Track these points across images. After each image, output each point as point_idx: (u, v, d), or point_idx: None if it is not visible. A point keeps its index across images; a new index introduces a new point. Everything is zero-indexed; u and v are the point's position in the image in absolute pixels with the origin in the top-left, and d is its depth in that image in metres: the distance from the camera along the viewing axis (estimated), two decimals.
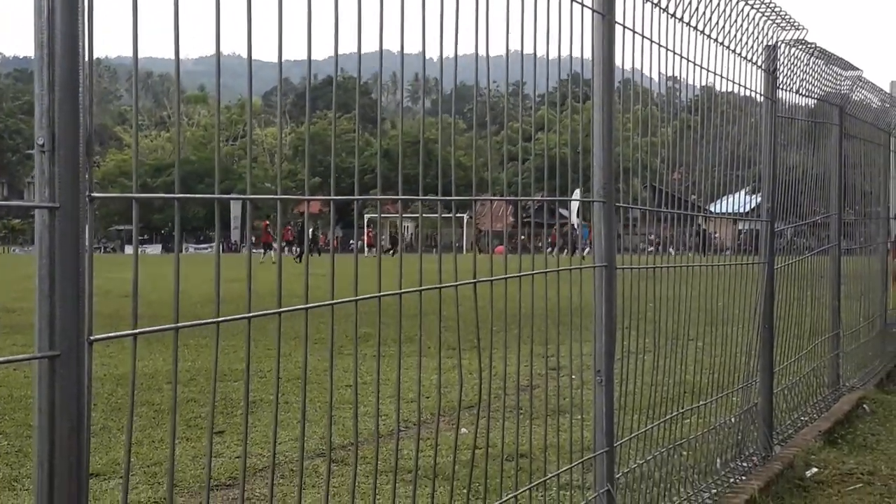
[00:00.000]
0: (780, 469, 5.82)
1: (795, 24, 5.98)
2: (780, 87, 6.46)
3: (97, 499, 5.52)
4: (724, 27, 5.26)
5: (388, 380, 7.68)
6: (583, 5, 3.94)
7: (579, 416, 4.34)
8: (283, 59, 2.51)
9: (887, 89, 10.55)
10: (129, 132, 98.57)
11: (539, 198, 3.92)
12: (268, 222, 43.90)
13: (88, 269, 1.91)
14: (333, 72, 2.75)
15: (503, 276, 3.51)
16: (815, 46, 6.74)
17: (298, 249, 43.22)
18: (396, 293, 2.97)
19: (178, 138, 2.33)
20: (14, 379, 9.28)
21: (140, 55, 2.13)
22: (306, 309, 2.62)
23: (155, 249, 70.94)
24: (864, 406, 8.10)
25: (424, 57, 3.06)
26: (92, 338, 1.93)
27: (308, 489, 5.58)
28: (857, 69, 8.10)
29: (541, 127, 4.10)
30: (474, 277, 3.33)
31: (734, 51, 5.53)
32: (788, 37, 6.19)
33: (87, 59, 1.91)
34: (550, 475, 3.99)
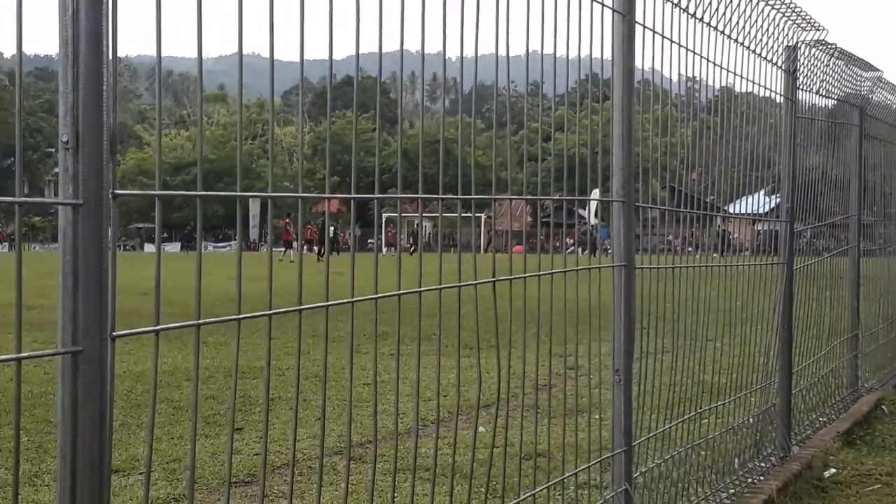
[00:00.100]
0: (799, 469, 5.81)
1: (816, 24, 5.96)
2: (801, 87, 6.45)
3: (116, 495, 5.55)
4: (744, 27, 5.25)
5: (406, 378, 7.69)
6: (603, 5, 3.94)
7: (597, 416, 4.34)
8: (303, 60, 2.53)
9: None
10: (148, 131, 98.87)
11: (558, 197, 3.93)
12: (288, 220, 43.87)
13: (111, 265, 1.93)
14: (355, 71, 2.77)
15: (522, 276, 3.51)
16: (836, 47, 6.72)
17: (318, 248, 43.20)
18: (416, 291, 2.98)
19: (200, 137, 2.34)
20: (34, 375, 9.34)
21: (162, 54, 2.15)
22: (326, 307, 2.64)
23: (174, 248, 71.22)
24: (883, 407, 8.07)
25: (445, 56, 3.07)
26: (115, 334, 1.95)
27: (326, 487, 5.60)
28: (878, 70, 8.06)
29: (559, 127, 4.10)
30: (493, 276, 3.34)
31: (754, 51, 5.52)
32: (809, 37, 6.17)
33: (111, 56, 1.92)
34: (568, 474, 4.00)
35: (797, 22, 5.88)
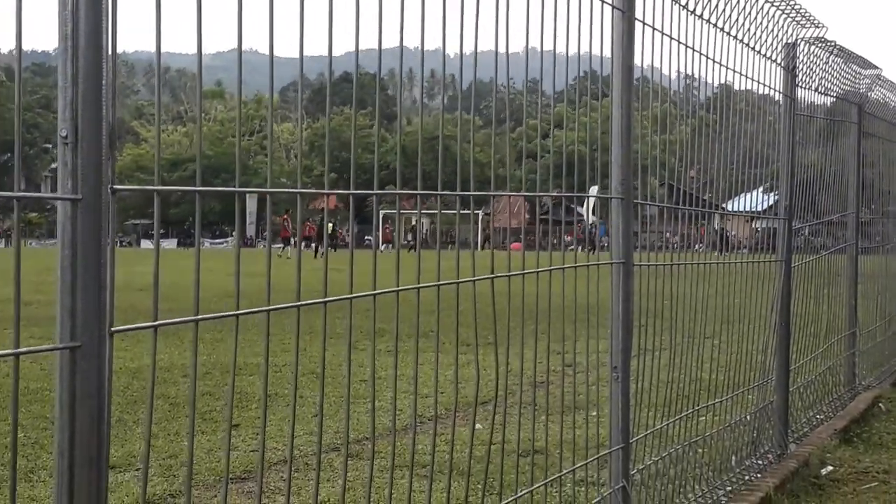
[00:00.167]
0: (796, 467, 5.81)
1: (815, 21, 5.96)
2: (800, 84, 6.45)
3: (112, 491, 5.54)
4: (743, 24, 5.25)
5: (402, 375, 7.68)
6: (603, 2, 3.94)
7: (594, 413, 4.34)
8: (298, 57, 2.52)
9: None
10: (145, 127, 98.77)
11: (557, 193, 3.93)
12: (286, 217, 43.76)
13: (110, 260, 1.93)
14: (354, 68, 2.76)
15: (521, 272, 3.51)
16: (835, 44, 6.72)
17: (317, 245, 43.10)
18: (414, 288, 2.98)
19: (199, 132, 2.34)
20: (31, 371, 9.33)
21: (161, 50, 2.14)
22: (325, 303, 2.63)
23: (170, 244, 71.24)
24: (880, 405, 8.08)
25: (444, 52, 3.06)
26: (113, 329, 1.95)
27: (322, 483, 5.60)
28: (877, 67, 8.07)
29: (558, 124, 4.10)
30: (492, 273, 3.34)
31: (754, 48, 5.51)
32: (808, 34, 6.17)
33: (110, 52, 1.92)
34: (566, 471, 4.00)
35: (796, 19, 5.88)
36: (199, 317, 2.22)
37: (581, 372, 4.40)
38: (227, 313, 2.35)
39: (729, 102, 5.63)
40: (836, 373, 8.02)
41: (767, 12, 5.54)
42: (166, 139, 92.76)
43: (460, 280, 3.20)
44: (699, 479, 5.03)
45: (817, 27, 6.07)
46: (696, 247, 5.29)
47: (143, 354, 10.23)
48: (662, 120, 4.83)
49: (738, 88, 5.62)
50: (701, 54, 4.82)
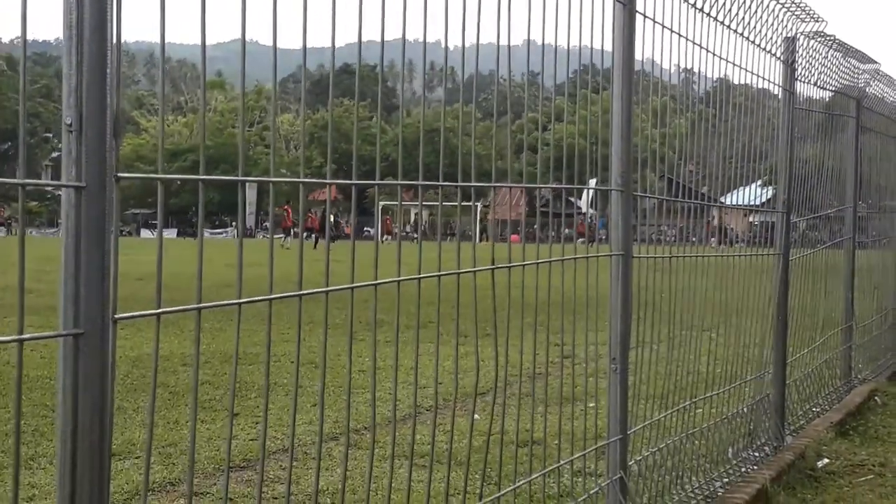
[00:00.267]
0: (792, 459, 5.83)
1: (815, 15, 5.97)
2: (799, 78, 6.45)
3: (112, 478, 5.54)
4: (744, 18, 5.26)
5: (402, 365, 7.69)
6: None
7: (592, 405, 4.36)
8: (299, 48, 2.53)
9: None
10: (145, 116, 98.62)
11: (557, 185, 3.94)
12: (287, 207, 43.61)
13: (113, 248, 1.94)
14: (356, 59, 2.77)
15: (521, 263, 3.52)
16: (834, 39, 6.72)
17: (317, 236, 43.00)
18: (415, 278, 2.99)
19: (202, 122, 2.35)
20: (31, 359, 9.34)
21: (157, 40, 2.15)
22: (326, 292, 2.65)
23: (170, 234, 71.15)
24: (876, 398, 8.10)
25: (446, 44, 3.08)
26: (116, 316, 1.96)
27: (321, 472, 5.61)
28: (875, 62, 8.07)
29: (558, 117, 4.11)
30: (492, 264, 3.35)
31: (753, 41, 5.52)
32: (808, 28, 6.18)
33: (114, 40, 1.93)
34: (563, 462, 4.01)
35: (796, 13, 5.88)
36: (202, 305, 2.23)
37: (579, 363, 4.42)
38: (229, 301, 2.36)
39: (727, 97, 5.64)
40: (832, 366, 8.04)
41: (767, 6, 5.55)
42: (166, 130, 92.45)
43: (461, 271, 3.21)
44: (696, 471, 5.05)
45: (817, 21, 6.08)
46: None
47: (142, 343, 10.24)
48: (661, 113, 4.84)
49: (736, 82, 5.63)
50: (701, 47, 4.83)
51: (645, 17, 4.24)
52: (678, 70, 5.01)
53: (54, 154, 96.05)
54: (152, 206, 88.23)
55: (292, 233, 42.31)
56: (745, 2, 5.20)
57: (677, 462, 4.84)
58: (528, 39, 3.51)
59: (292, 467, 2.84)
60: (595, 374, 4.39)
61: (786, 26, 5.96)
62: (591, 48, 3.95)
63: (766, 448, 5.96)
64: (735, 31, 5.21)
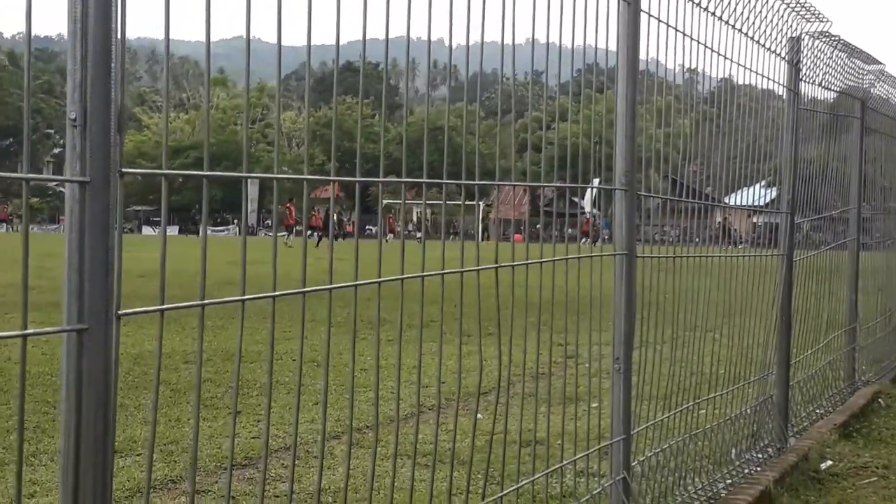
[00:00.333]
0: (795, 461, 5.82)
1: (820, 15, 5.95)
2: (803, 79, 6.44)
3: (114, 476, 5.54)
4: (748, 18, 5.24)
5: (404, 364, 7.69)
6: None
7: (595, 405, 4.35)
8: (301, 45, 2.52)
9: None
10: (147, 113, 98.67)
11: (561, 184, 3.93)
12: (290, 205, 43.49)
13: (117, 243, 1.93)
14: (359, 57, 2.76)
15: (525, 262, 3.51)
16: (839, 39, 6.71)
17: (320, 235, 42.96)
18: (419, 276, 2.98)
19: (207, 117, 2.34)
20: (32, 355, 9.33)
21: (160, 37, 2.14)
22: (330, 290, 2.64)
23: (172, 231, 71.18)
24: (880, 400, 8.09)
25: (451, 41, 3.06)
26: (120, 312, 1.95)
27: (323, 471, 5.60)
28: (880, 63, 8.06)
29: (562, 116, 4.10)
30: (496, 263, 3.34)
31: (758, 41, 5.51)
32: (813, 28, 6.17)
33: (119, 34, 1.92)
34: (566, 462, 4.00)
35: (801, 13, 5.87)
36: (206, 301, 2.22)
37: (582, 363, 4.41)
38: (232, 298, 2.35)
39: (731, 97, 5.62)
40: (836, 368, 8.02)
41: (772, 6, 5.53)
42: (168, 126, 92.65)
43: (465, 269, 3.20)
44: (699, 472, 5.04)
45: (822, 21, 6.06)
46: (697, 240, 5.28)
47: (143, 340, 10.23)
48: (664, 113, 4.82)
49: (740, 83, 5.61)
50: (706, 47, 4.82)
51: (650, 15, 4.23)
52: (682, 70, 5.00)
53: (56, 150, 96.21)
54: (153, 203, 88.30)
55: (294, 231, 42.26)
56: (749, 1, 5.19)
57: (680, 463, 4.83)
58: (533, 38, 3.49)
59: (294, 465, 2.83)
60: (598, 374, 4.38)
61: (790, 26, 5.94)
62: (596, 47, 3.94)
63: (770, 449, 5.95)
64: (740, 30, 5.20)
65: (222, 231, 74.36)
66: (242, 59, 2.37)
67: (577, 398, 4.34)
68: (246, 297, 2.33)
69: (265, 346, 10.00)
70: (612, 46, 4.11)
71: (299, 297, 2.57)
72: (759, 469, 5.59)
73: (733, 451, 5.55)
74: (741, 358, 5.66)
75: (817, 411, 7.24)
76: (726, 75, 5.28)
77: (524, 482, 3.74)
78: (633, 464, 4.34)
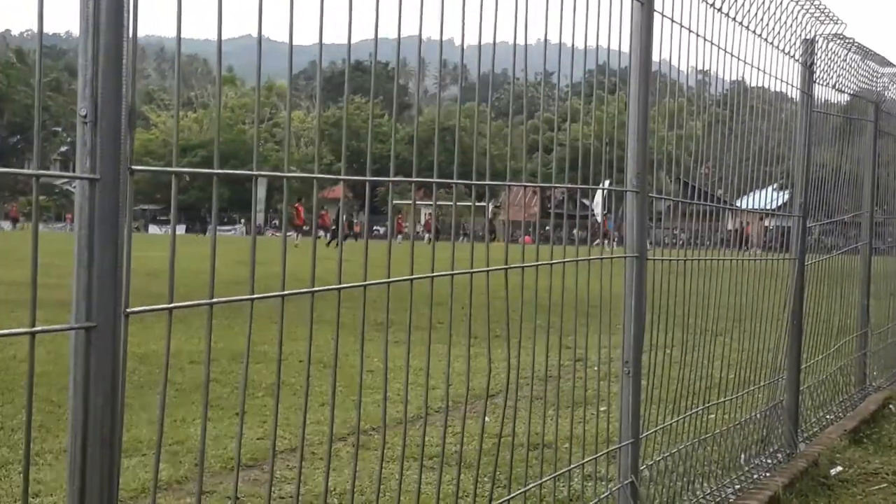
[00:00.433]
0: (805, 466, 5.79)
1: (834, 17, 5.92)
2: (817, 81, 6.40)
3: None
4: (762, 19, 5.21)
5: (411, 366, 7.66)
6: None
7: (604, 408, 4.32)
8: (310, 44, 2.50)
9: None
10: (155, 111, 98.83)
11: (572, 186, 3.90)
12: (299, 205, 43.44)
13: (127, 241, 1.91)
14: (366, 57, 2.74)
15: (535, 263, 3.48)
16: (853, 41, 6.67)
17: (330, 234, 42.97)
18: (428, 276, 2.96)
19: (217, 115, 2.31)
20: (37, 354, 9.28)
21: (169, 35, 2.12)
22: (339, 289, 2.61)
23: (178, 230, 71.18)
24: (891, 406, 8.05)
25: (463, 42, 3.03)
26: (129, 310, 1.93)
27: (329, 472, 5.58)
28: (895, 66, 8.02)
29: (573, 117, 4.08)
30: (506, 264, 3.31)
31: (772, 43, 5.48)
32: (827, 30, 6.13)
33: (131, 31, 1.90)
34: (574, 465, 3.98)
35: (815, 15, 5.84)
36: (214, 300, 2.20)
37: (591, 366, 4.38)
38: (241, 297, 2.32)
39: (744, 99, 5.59)
40: (846, 373, 7.99)
41: (786, 7, 5.51)
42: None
43: (475, 270, 3.17)
44: (708, 477, 5.01)
45: (836, 23, 6.03)
46: (706, 243, 5.24)
47: (149, 340, 10.22)
48: (678, 115, 4.79)
49: (753, 85, 5.58)
50: (719, 48, 4.79)
51: (663, 16, 4.20)
52: (694, 72, 4.97)
53: (63, 148, 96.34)
54: (160, 201, 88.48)
55: (302, 231, 42.28)
56: (763, 2, 5.16)
57: (689, 467, 4.79)
58: (546, 38, 3.46)
59: (294, 467, 2.81)
60: (607, 377, 4.36)
61: (804, 28, 5.91)
62: (609, 48, 3.91)
63: (779, 455, 5.91)
64: (753, 31, 5.17)
65: (229, 230, 74.46)
66: (250, 58, 2.36)
67: (585, 401, 4.31)
68: (255, 296, 2.31)
69: (270, 347, 10.02)
70: (625, 47, 4.09)
71: (305, 298, 2.54)
72: (768, 474, 5.56)
73: (742, 455, 5.52)
74: (751, 362, 5.62)
75: (827, 417, 7.20)
76: (739, 77, 5.25)
77: (531, 486, 3.72)
78: (642, 468, 4.31)
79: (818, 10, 5.76)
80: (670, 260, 4.55)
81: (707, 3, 4.57)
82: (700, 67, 4.84)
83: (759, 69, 5.36)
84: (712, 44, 4.70)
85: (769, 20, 5.31)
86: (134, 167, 1.92)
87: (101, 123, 1.86)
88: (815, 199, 6.71)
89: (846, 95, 7.50)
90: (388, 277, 2.80)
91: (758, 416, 5.74)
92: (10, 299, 14.28)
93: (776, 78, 5.67)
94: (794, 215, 6.28)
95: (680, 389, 4.72)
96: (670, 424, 4.63)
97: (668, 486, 4.58)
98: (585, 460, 4.05)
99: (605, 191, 4.43)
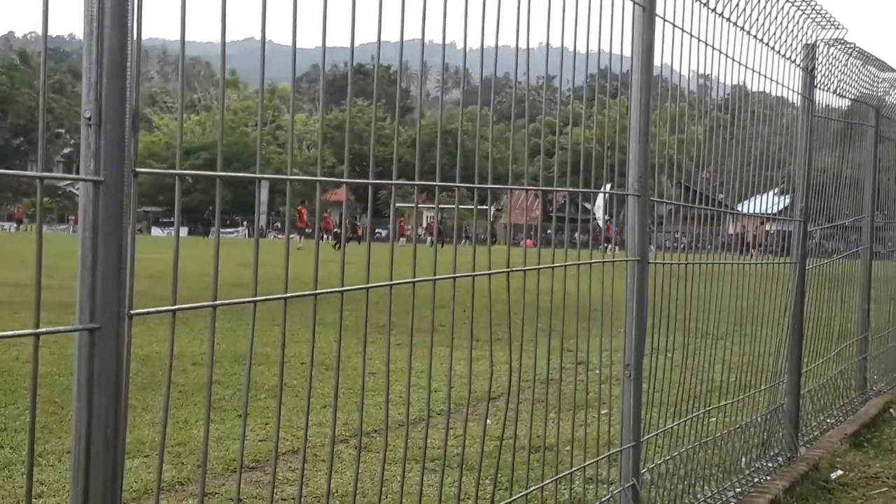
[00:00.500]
0: (805, 470, 5.79)
1: (835, 23, 5.93)
2: (818, 86, 6.41)
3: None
4: (763, 24, 5.22)
5: (413, 369, 7.67)
6: None
7: (605, 411, 4.33)
8: (313, 47, 2.51)
9: None
10: (158, 114, 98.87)
11: (574, 189, 3.91)
12: (302, 208, 43.41)
13: (131, 243, 1.92)
14: (367, 60, 2.75)
15: (537, 266, 3.50)
16: (854, 46, 6.68)
17: (334, 237, 42.96)
18: (430, 280, 2.97)
19: (221, 119, 2.33)
20: (40, 355, 9.32)
21: (171, 37, 2.13)
22: (342, 292, 2.63)
23: (181, 232, 71.18)
24: (891, 410, 8.05)
25: (466, 46, 3.05)
26: (132, 312, 1.94)
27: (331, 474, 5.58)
28: (895, 71, 8.03)
29: (574, 121, 4.10)
30: (508, 268, 3.33)
31: (773, 48, 5.49)
32: (828, 35, 6.14)
33: (135, 33, 1.91)
34: (575, 468, 3.99)
35: (816, 20, 5.85)
36: (217, 302, 2.21)
37: (593, 369, 4.39)
38: (244, 300, 2.34)
39: (745, 104, 5.60)
40: (847, 377, 7.99)
41: (787, 12, 5.52)
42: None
43: (477, 273, 3.19)
44: (708, 480, 5.01)
45: (837, 28, 6.04)
46: (708, 246, 5.26)
47: (152, 342, 10.24)
48: (679, 119, 4.80)
49: (754, 90, 5.59)
50: (721, 52, 4.80)
51: (665, 20, 4.21)
52: (695, 76, 4.98)
53: (66, 150, 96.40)
54: (163, 203, 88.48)
55: (305, 232, 42.28)
56: (764, 8, 5.17)
57: (690, 471, 4.80)
58: (548, 42, 3.48)
59: (296, 469, 2.82)
60: (608, 380, 4.36)
61: (806, 33, 5.92)
62: (610, 52, 3.93)
63: (780, 458, 5.92)
64: (755, 36, 5.18)
65: (231, 233, 74.47)
66: (253, 61, 2.36)
67: (586, 404, 4.32)
68: (258, 298, 2.32)
69: (273, 349, 10.03)
70: (626, 51, 4.10)
71: (307, 300, 2.56)
72: (768, 478, 5.56)
73: (743, 459, 5.53)
74: (752, 366, 5.63)
75: (828, 421, 7.21)
76: (740, 82, 5.27)
77: (533, 488, 3.72)
78: (643, 471, 4.32)
79: (819, 15, 5.77)
80: (671, 264, 4.56)
81: (708, 7, 4.58)
82: (701, 72, 4.85)
83: (760, 74, 5.37)
84: (713, 48, 4.71)
85: (770, 25, 5.33)
86: (138, 169, 1.94)
87: (106, 126, 1.87)
88: (816, 203, 6.72)
89: (847, 100, 7.51)
90: (391, 280, 2.81)
91: (758, 419, 5.75)
92: (13, 301, 14.30)
93: (777, 83, 5.69)
94: (796, 219, 6.29)
95: (681, 393, 4.73)
96: (671, 428, 4.64)
97: (669, 490, 4.58)
98: (587, 463, 4.06)
99: (607, 194, 4.44)
